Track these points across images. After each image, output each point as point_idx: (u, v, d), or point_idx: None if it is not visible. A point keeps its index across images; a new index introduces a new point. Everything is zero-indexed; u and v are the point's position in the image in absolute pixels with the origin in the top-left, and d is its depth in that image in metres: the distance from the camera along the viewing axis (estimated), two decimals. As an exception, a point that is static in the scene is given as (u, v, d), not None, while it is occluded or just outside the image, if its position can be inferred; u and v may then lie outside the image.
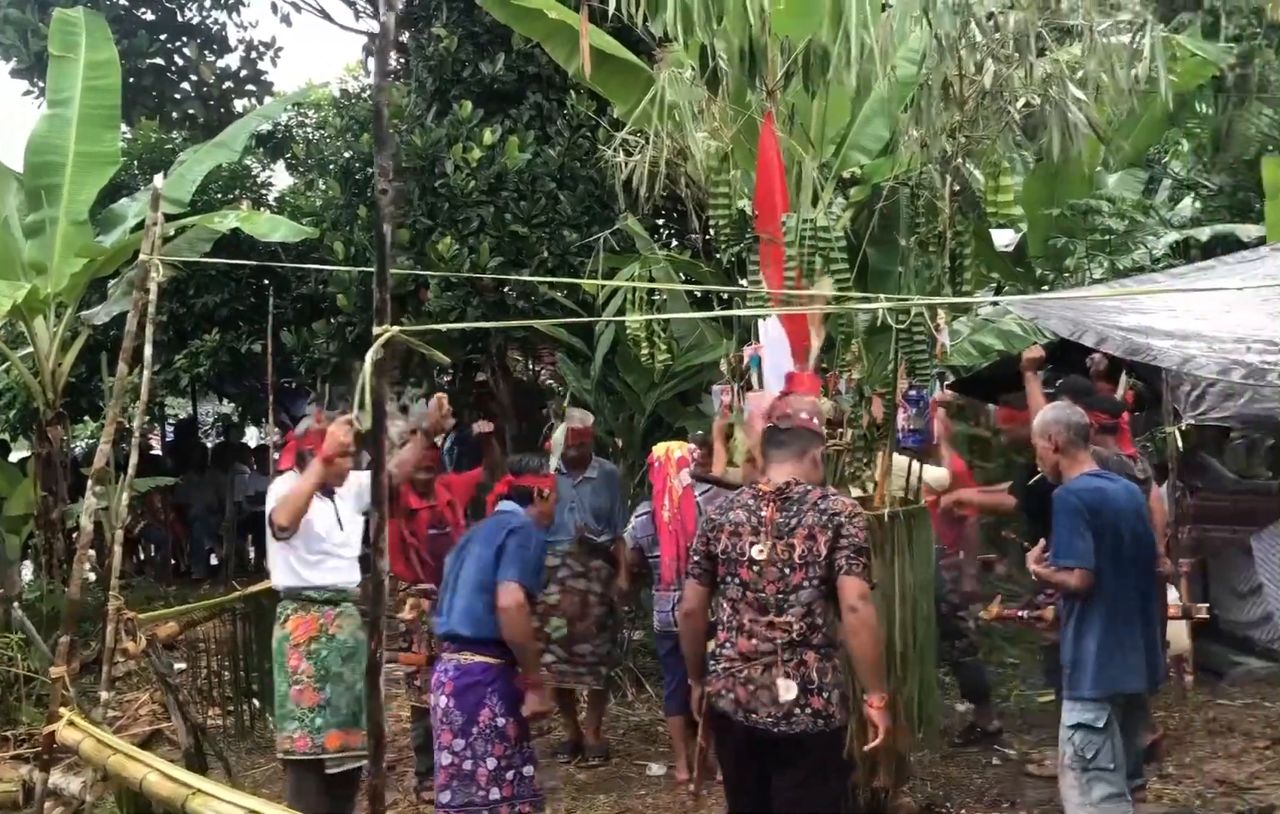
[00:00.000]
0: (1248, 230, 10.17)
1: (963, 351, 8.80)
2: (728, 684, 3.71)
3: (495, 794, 4.28)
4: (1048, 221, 10.18)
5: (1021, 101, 6.03)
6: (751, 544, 3.73)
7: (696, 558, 3.96)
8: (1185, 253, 10.18)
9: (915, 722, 5.43)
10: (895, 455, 5.66)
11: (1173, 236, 10.42)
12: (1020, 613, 5.73)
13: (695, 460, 6.39)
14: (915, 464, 5.81)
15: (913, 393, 5.74)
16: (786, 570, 3.68)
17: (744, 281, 6.55)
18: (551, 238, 8.58)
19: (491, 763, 4.26)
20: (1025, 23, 5.56)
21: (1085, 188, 10.26)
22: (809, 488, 3.83)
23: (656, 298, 8.17)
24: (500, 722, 4.29)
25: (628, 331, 7.29)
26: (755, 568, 3.71)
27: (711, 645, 3.88)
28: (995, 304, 7.40)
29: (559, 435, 7.68)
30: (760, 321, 5.84)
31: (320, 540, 5.05)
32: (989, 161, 7.96)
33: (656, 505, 6.32)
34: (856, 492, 5.91)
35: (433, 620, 4.83)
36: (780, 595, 3.68)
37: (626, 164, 6.44)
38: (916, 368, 5.77)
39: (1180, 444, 7.63)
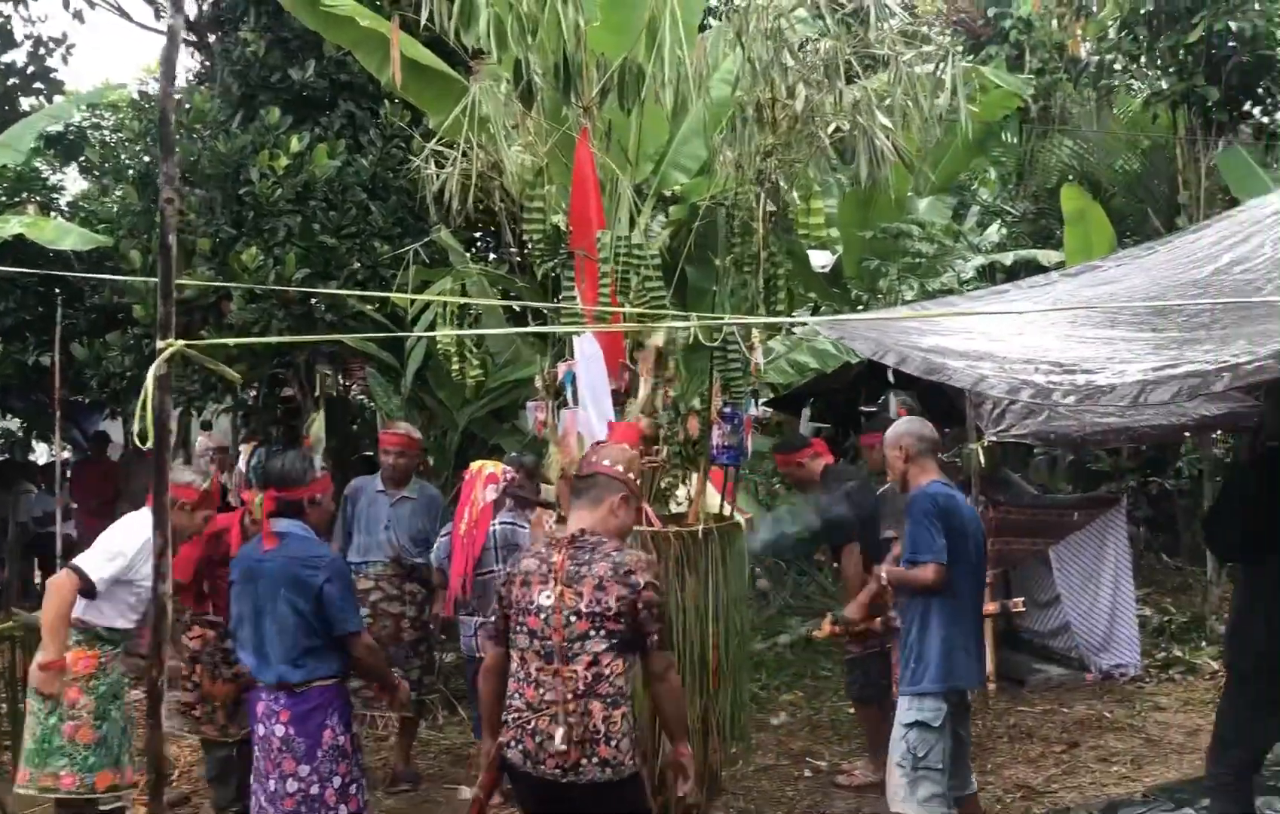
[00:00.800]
0: (1049, 255, 10.67)
1: (779, 370, 8.94)
2: (516, 735, 3.69)
3: (344, 811, 4.23)
4: (862, 244, 10.45)
5: (832, 127, 6.12)
6: (540, 592, 3.70)
7: (494, 617, 3.93)
8: (991, 277, 10.59)
9: (728, 737, 5.49)
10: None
11: (979, 261, 10.83)
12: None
13: (513, 481, 6.29)
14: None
15: (728, 410, 5.75)
16: (573, 618, 3.65)
17: (559, 298, 6.46)
18: (362, 249, 8.30)
19: (337, 781, 4.21)
20: (835, 50, 5.64)
21: (897, 212, 10.58)
22: (603, 539, 3.80)
23: (470, 312, 8.02)
24: (341, 740, 4.26)
25: (439, 346, 7.12)
26: (542, 615, 3.68)
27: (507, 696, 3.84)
28: (804, 324, 7.51)
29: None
30: (575, 338, 5.76)
31: (136, 587, 4.88)
32: (801, 184, 8.11)
33: (455, 520, 6.20)
34: (673, 507, 5.94)
35: (241, 658, 4.53)
36: (565, 644, 3.65)
37: (439, 176, 6.28)
38: (731, 386, 5.78)
39: (983, 460, 7.89)
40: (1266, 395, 4.32)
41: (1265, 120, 10.27)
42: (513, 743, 3.68)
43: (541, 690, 3.64)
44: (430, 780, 6.80)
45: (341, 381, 9.36)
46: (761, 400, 7.28)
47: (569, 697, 3.60)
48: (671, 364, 6.23)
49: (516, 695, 3.71)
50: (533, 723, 3.64)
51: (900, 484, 5.07)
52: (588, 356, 5.68)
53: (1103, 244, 9.84)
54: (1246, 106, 10.05)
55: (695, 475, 5.90)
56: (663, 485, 5.94)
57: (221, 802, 5.94)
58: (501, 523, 6.20)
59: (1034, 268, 10.15)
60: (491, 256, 9.86)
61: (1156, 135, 11.48)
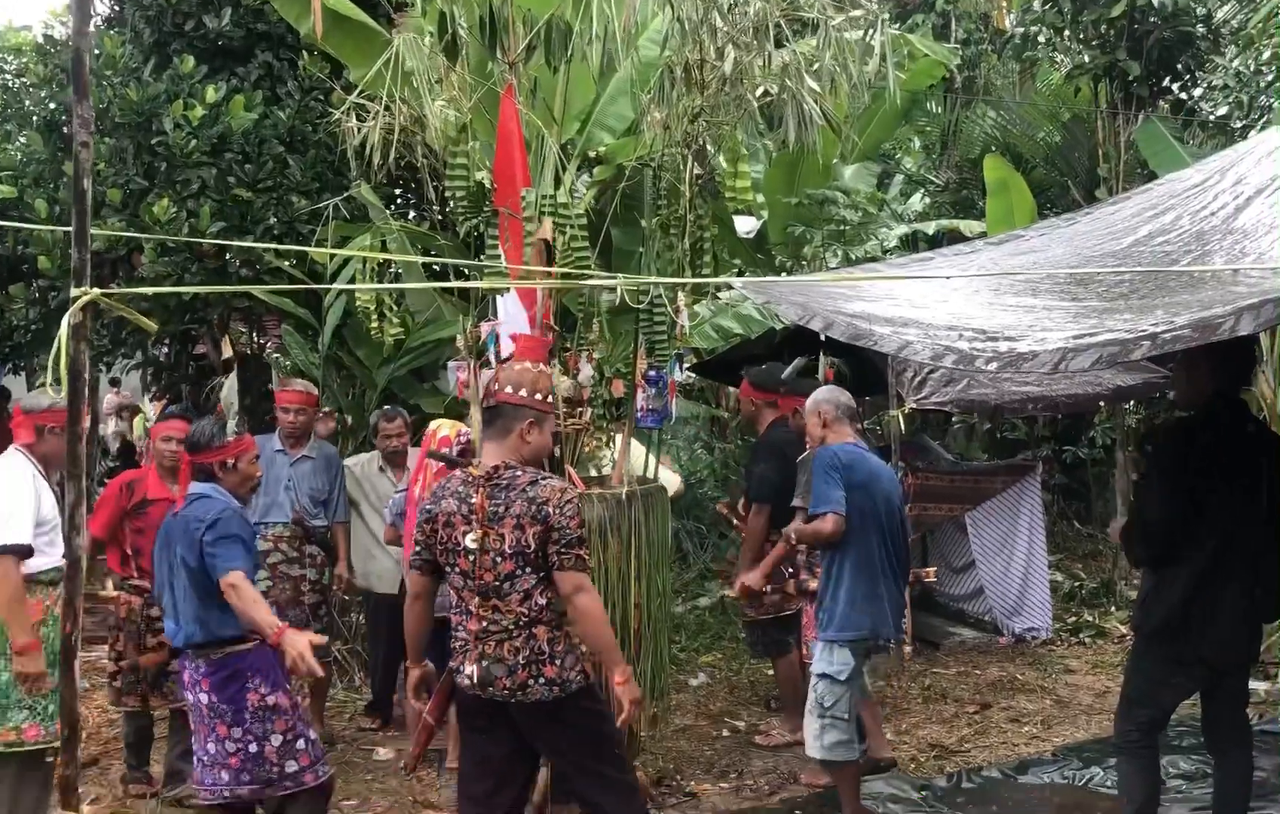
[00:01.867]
0: (971, 225, 10.77)
1: (703, 334, 8.91)
2: (462, 660, 3.76)
3: (293, 766, 4.14)
4: (787, 210, 10.46)
5: (760, 90, 6.08)
6: (465, 534, 3.71)
7: (417, 548, 3.90)
8: (914, 245, 10.69)
9: (648, 697, 5.51)
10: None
11: (903, 230, 10.92)
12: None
13: (469, 445, 6.20)
14: (652, 459, 5.89)
15: (652, 373, 5.73)
16: (498, 559, 3.69)
17: (482, 257, 6.36)
18: (279, 204, 8.06)
19: (277, 739, 4.12)
20: (764, 12, 5.60)
21: (823, 179, 10.60)
22: (518, 472, 3.77)
23: (390, 270, 7.86)
24: (270, 699, 4.16)
25: (359, 304, 6.96)
26: (470, 557, 3.71)
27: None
28: (730, 287, 7.49)
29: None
30: (498, 297, 5.67)
31: (48, 522, 4.70)
32: (729, 148, 8.08)
33: (412, 480, 6.10)
34: (594, 471, 5.91)
35: (166, 626, 4.42)
36: (497, 582, 3.70)
37: (360, 130, 6.13)
38: (656, 348, 5.75)
39: (903, 427, 7.97)
40: (1176, 365, 4.39)
41: (1184, 96, 10.46)
42: (461, 667, 3.74)
43: (483, 622, 3.69)
44: (346, 741, 6.72)
45: (256, 339, 9.10)
46: (685, 366, 7.28)
47: (510, 628, 3.67)
48: (596, 326, 6.19)
49: (460, 627, 3.77)
50: (479, 649, 3.70)
51: (818, 446, 5.23)
52: (511, 316, 5.60)
53: (1024, 215, 9.95)
54: (1166, 82, 10.23)
55: (619, 437, 5.88)
56: (586, 447, 5.90)
57: (132, 765, 5.84)
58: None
59: (956, 237, 10.23)
60: (411, 214, 9.66)
61: (1078, 108, 11.64)
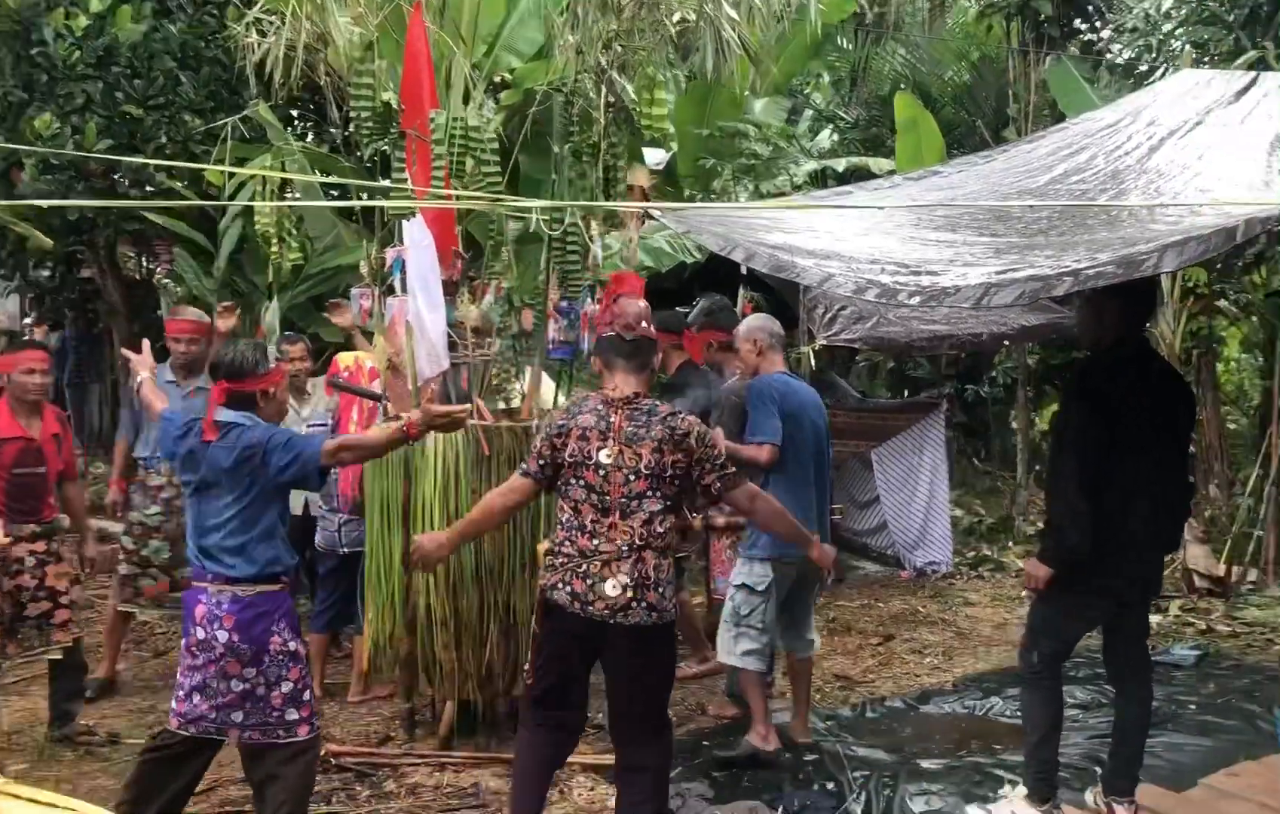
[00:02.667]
0: (880, 163, 10.79)
1: (613, 267, 8.75)
2: (564, 577, 3.78)
3: (293, 715, 3.94)
4: (698, 142, 10.35)
5: (677, 16, 5.94)
6: (599, 449, 3.78)
7: (541, 461, 3.88)
8: (823, 182, 10.66)
9: None
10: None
11: (812, 166, 10.88)
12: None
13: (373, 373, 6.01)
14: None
15: (564, 304, 5.59)
16: (632, 477, 3.76)
17: (389, 180, 6.13)
18: (171, 122, 7.68)
19: (288, 686, 3.92)
20: (682, -65, 5.45)
21: (734, 112, 10.51)
22: (656, 403, 3.90)
23: (289, 192, 7.56)
24: (292, 645, 3.97)
25: (257, 228, 6.67)
26: (601, 472, 3.77)
27: (547, 543, 3.91)
28: (651, 215, 7.34)
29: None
30: (404, 223, 5.47)
31: None
32: (644, 75, 7.91)
33: (343, 418, 5.87)
34: (503, 404, 5.77)
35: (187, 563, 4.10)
36: (624, 500, 3.76)
37: (260, 46, 5.84)
38: (568, 279, 5.61)
39: (813, 363, 7.97)
40: (1084, 303, 4.40)
41: (1093, 37, 10.56)
42: (560, 585, 3.78)
43: (596, 541, 3.76)
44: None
45: (146, 264, 8.71)
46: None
47: (625, 548, 3.74)
48: (505, 254, 6.03)
49: (567, 542, 3.80)
50: (584, 567, 3.75)
51: (751, 374, 5.28)
52: (418, 244, 5.41)
53: (933, 153, 10.00)
54: (1076, 23, 10.30)
55: (529, 369, 5.75)
56: (495, 379, 5.76)
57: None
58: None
59: (865, 175, 10.25)
60: (311, 136, 9.32)
61: (987, 48, 11.69)
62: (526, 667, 4.07)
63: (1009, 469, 11.31)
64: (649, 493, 3.78)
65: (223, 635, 3.85)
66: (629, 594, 3.74)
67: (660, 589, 3.81)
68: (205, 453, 3.91)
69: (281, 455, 3.87)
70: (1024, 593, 7.70)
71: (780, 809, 4.60)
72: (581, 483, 3.79)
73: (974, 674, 6.63)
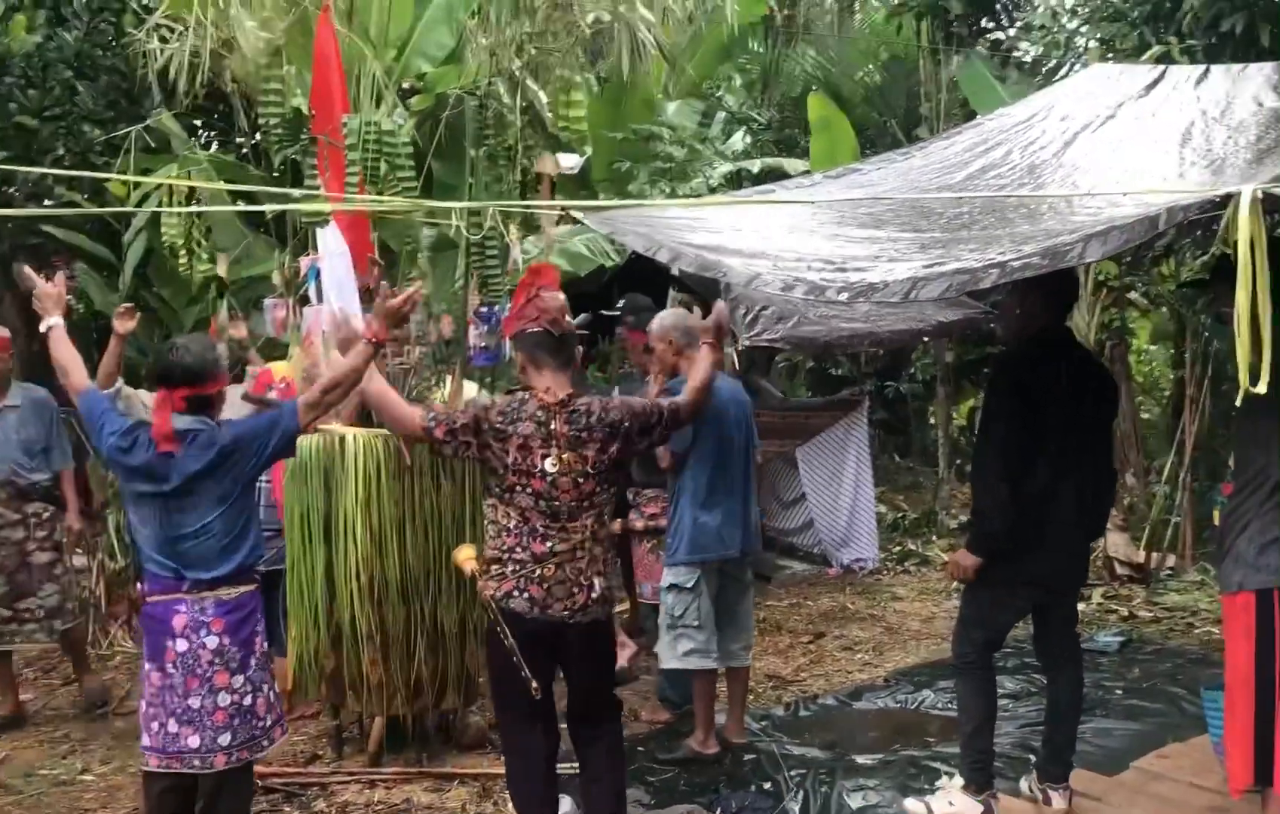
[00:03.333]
0: (794, 164, 10.84)
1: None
2: (519, 585, 3.76)
3: (270, 719, 3.82)
4: (612, 145, 10.30)
5: (592, 17, 5.89)
6: (544, 457, 3.75)
7: (457, 436, 3.76)
8: (739, 184, 10.67)
9: (487, 643, 5.32)
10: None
11: (728, 168, 10.89)
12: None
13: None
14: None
15: (484, 310, 5.49)
16: (580, 480, 3.78)
17: (301, 188, 5.98)
18: (69, 133, 7.39)
19: (267, 689, 3.82)
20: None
21: (647, 115, 10.49)
22: (590, 402, 3.88)
23: (198, 203, 7.34)
24: (267, 646, 3.90)
25: (165, 239, 6.46)
26: (548, 479, 3.75)
27: (494, 550, 3.83)
28: (573, 216, 7.21)
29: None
30: (318, 231, 5.33)
31: None
32: (559, 76, 7.85)
33: None
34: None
35: (147, 568, 3.81)
36: (574, 503, 3.78)
37: (162, 53, 5.66)
38: (489, 283, 5.51)
39: (737, 364, 7.96)
40: (1007, 295, 4.43)
41: (1000, 35, 10.73)
42: (515, 592, 3.76)
43: (549, 542, 3.76)
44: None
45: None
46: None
47: (575, 547, 3.77)
48: (421, 260, 5.93)
49: (519, 548, 3.77)
50: (539, 572, 3.75)
51: (669, 374, 5.20)
52: (333, 252, 5.27)
53: (846, 153, 10.07)
54: (984, 22, 10.45)
55: (450, 377, 5.63)
56: (414, 387, 5.64)
57: None
58: None
59: (779, 176, 10.27)
60: (215, 146, 9.06)
61: (896, 48, 11.81)
62: (484, 680, 4.13)
63: (930, 464, 11.43)
64: (598, 491, 3.82)
65: (211, 641, 3.66)
66: (586, 594, 3.80)
67: (604, 579, 3.88)
68: (170, 464, 3.69)
69: (263, 439, 3.76)
70: (953, 586, 7.77)
71: (719, 811, 4.55)
72: (528, 491, 3.75)
73: (904, 668, 6.65)
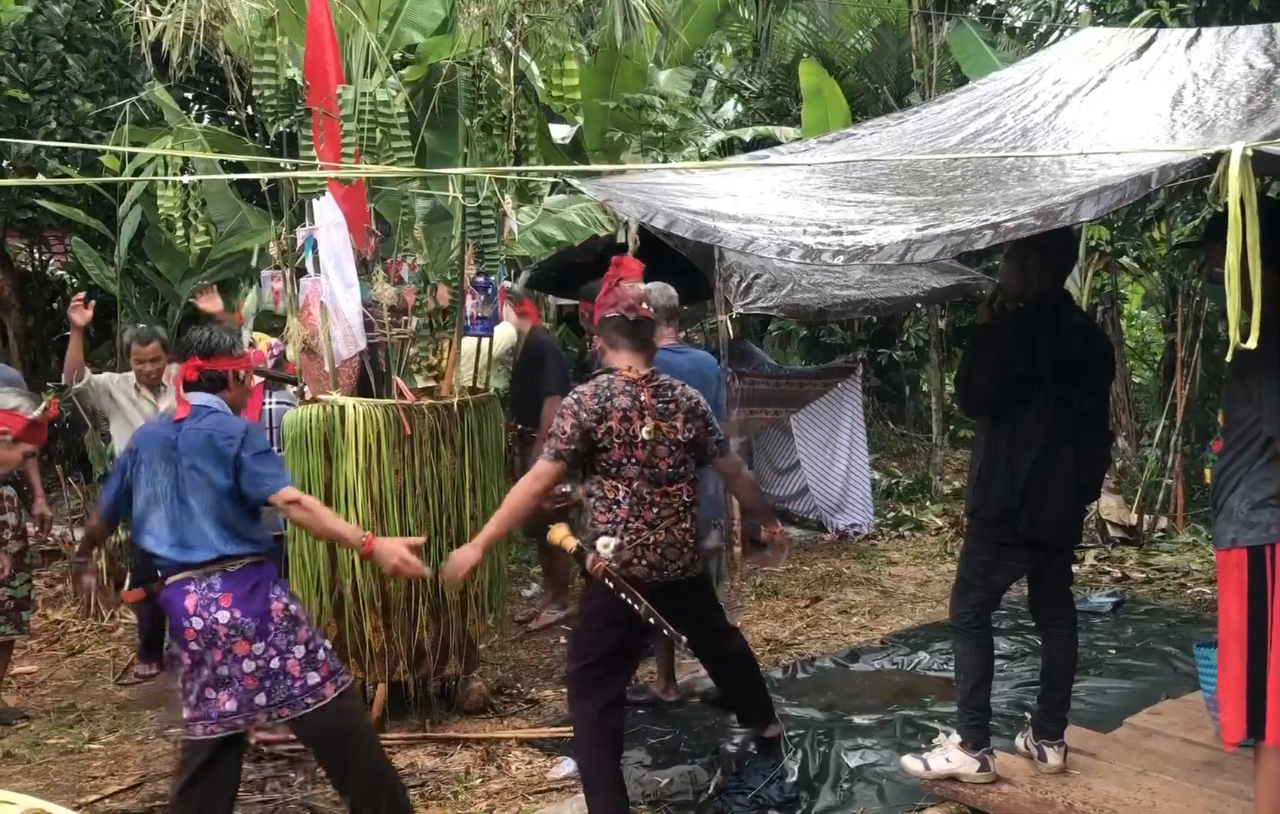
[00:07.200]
0: (786, 131, 10.82)
1: (525, 242, 8.69)
2: (638, 553, 4.08)
3: (314, 678, 3.81)
4: (604, 114, 10.28)
5: (585, -16, 5.87)
6: (641, 427, 4.09)
7: (571, 444, 4.06)
8: (731, 152, 10.67)
9: (485, 609, 5.49)
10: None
11: (719, 136, 10.89)
12: None
13: (274, 356, 5.88)
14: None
15: (480, 279, 5.50)
16: (674, 447, 4.17)
17: (292, 161, 5.96)
18: (60, 107, 7.37)
19: (300, 650, 3.81)
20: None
21: (639, 84, 10.46)
22: (670, 380, 4.28)
23: (193, 174, 7.33)
24: (293, 607, 3.87)
25: (160, 212, 6.44)
26: (646, 447, 4.10)
27: (607, 524, 4.09)
28: (569, 180, 7.20)
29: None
30: (314, 202, 5.33)
31: None
32: (551, 46, 7.82)
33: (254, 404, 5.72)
34: (423, 382, 5.67)
35: (150, 547, 3.85)
36: (671, 468, 4.15)
37: (154, 26, 5.63)
38: (485, 253, 5.52)
39: (730, 332, 7.97)
40: (1006, 258, 4.47)
41: (991, 0, 10.72)
42: (635, 560, 4.08)
43: (656, 509, 4.10)
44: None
45: (38, 255, 8.34)
46: (524, 276, 7.08)
47: (680, 511, 4.16)
48: (416, 231, 5.93)
49: (632, 519, 4.09)
50: (651, 538, 4.10)
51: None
52: (329, 223, 5.28)
53: (839, 120, 10.07)
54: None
55: (447, 346, 5.66)
56: (413, 357, 5.67)
57: None
58: (277, 402, 5.79)
59: (773, 143, 10.27)
60: (207, 119, 9.03)
61: (888, 14, 11.79)
62: (573, 646, 4.37)
63: (923, 431, 11.49)
64: (688, 458, 4.22)
65: (223, 616, 3.72)
66: (692, 553, 4.21)
67: (701, 541, 4.37)
68: (179, 437, 3.78)
69: (260, 462, 3.79)
70: (947, 551, 7.80)
71: (719, 772, 4.61)
72: (633, 461, 4.09)
73: (900, 631, 6.73)
